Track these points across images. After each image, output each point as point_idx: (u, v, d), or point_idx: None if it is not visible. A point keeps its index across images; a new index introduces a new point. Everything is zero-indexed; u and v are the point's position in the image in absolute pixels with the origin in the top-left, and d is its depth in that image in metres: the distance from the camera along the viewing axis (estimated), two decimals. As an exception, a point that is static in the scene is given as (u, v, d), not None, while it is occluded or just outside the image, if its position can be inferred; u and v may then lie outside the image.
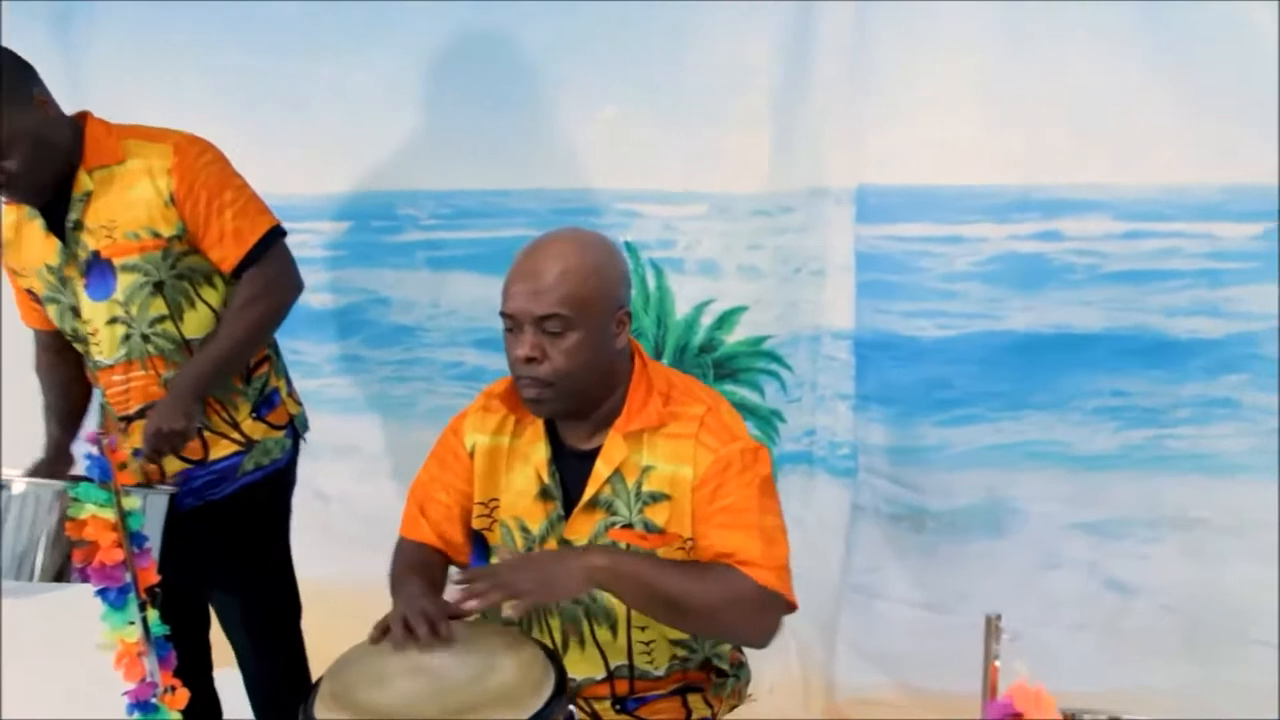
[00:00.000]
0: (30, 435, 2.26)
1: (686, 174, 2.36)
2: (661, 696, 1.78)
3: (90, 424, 2.24)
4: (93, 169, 2.02)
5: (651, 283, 2.43)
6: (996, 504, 2.29)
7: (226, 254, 2.04)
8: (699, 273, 2.38)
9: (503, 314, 1.66)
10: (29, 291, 2.15)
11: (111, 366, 2.09)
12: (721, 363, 2.43)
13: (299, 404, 2.28)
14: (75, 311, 2.08)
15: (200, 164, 2.03)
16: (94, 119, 2.06)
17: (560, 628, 1.76)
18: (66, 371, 2.23)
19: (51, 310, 2.12)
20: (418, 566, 1.76)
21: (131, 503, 1.80)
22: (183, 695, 1.85)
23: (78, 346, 2.15)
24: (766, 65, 2.26)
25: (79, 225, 2.02)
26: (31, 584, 1.89)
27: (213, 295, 2.09)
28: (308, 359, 2.74)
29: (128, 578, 1.78)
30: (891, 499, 2.37)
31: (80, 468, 1.84)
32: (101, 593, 1.79)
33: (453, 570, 1.81)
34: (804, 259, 2.36)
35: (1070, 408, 2.21)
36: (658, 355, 2.45)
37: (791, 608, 1.64)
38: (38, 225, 2.06)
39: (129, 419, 2.11)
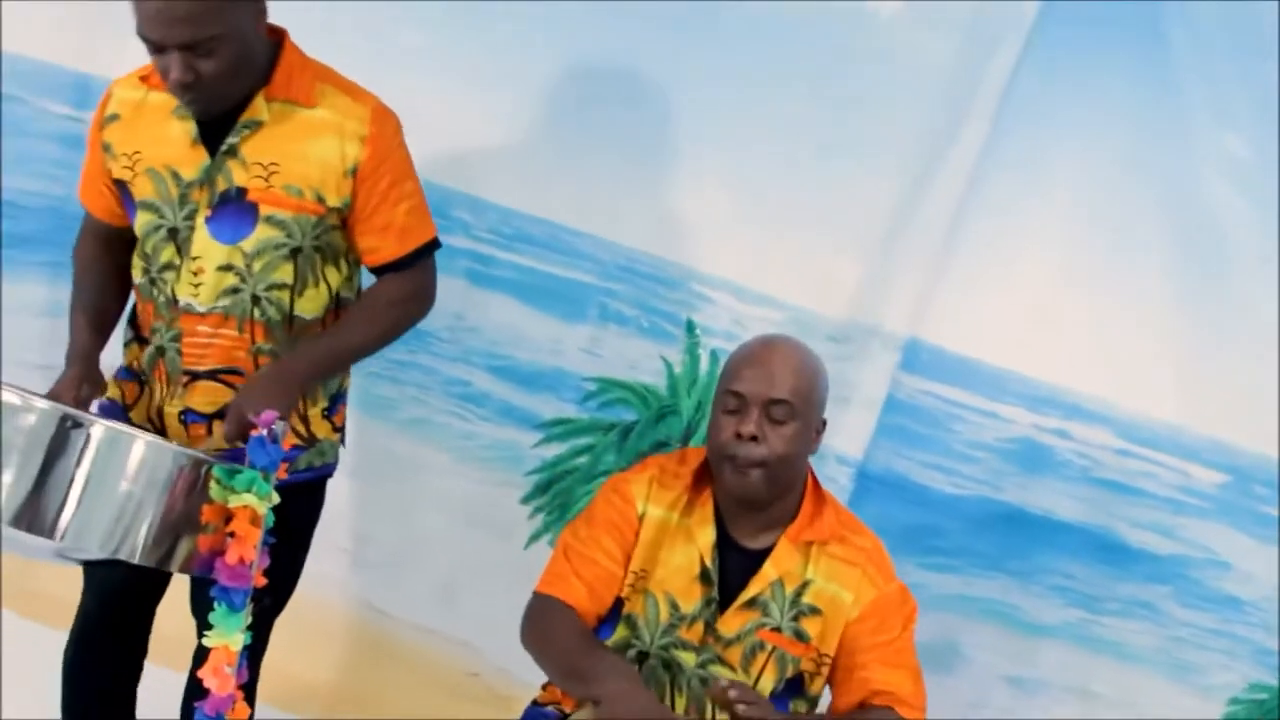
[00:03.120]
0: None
1: (773, 278, 2.47)
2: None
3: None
4: (274, 100, 1.78)
5: (704, 367, 2.50)
6: (948, 646, 2.57)
7: (383, 246, 1.87)
8: (755, 373, 2.49)
9: (731, 392, 1.75)
10: (119, 182, 1.85)
11: (202, 315, 1.83)
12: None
13: None
14: (176, 236, 1.81)
15: (395, 142, 1.86)
16: (292, 44, 1.83)
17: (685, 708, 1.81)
18: (111, 265, 1.94)
19: (143, 218, 1.83)
20: (598, 642, 1.75)
21: (275, 499, 1.64)
22: (244, 709, 1.70)
23: (142, 262, 1.87)
24: (883, 204, 2.42)
25: (233, 151, 1.78)
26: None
27: (335, 276, 1.91)
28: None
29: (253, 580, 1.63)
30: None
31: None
32: (223, 592, 1.61)
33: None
34: (840, 385, 2.53)
35: (1032, 579, 2.54)
36: (686, 439, 2.53)
37: None
38: (185, 129, 1.79)
39: (195, 375, 1.87)
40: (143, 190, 1.83)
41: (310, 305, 1.89)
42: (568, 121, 2.47)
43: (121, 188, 1.86)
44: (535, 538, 2.61)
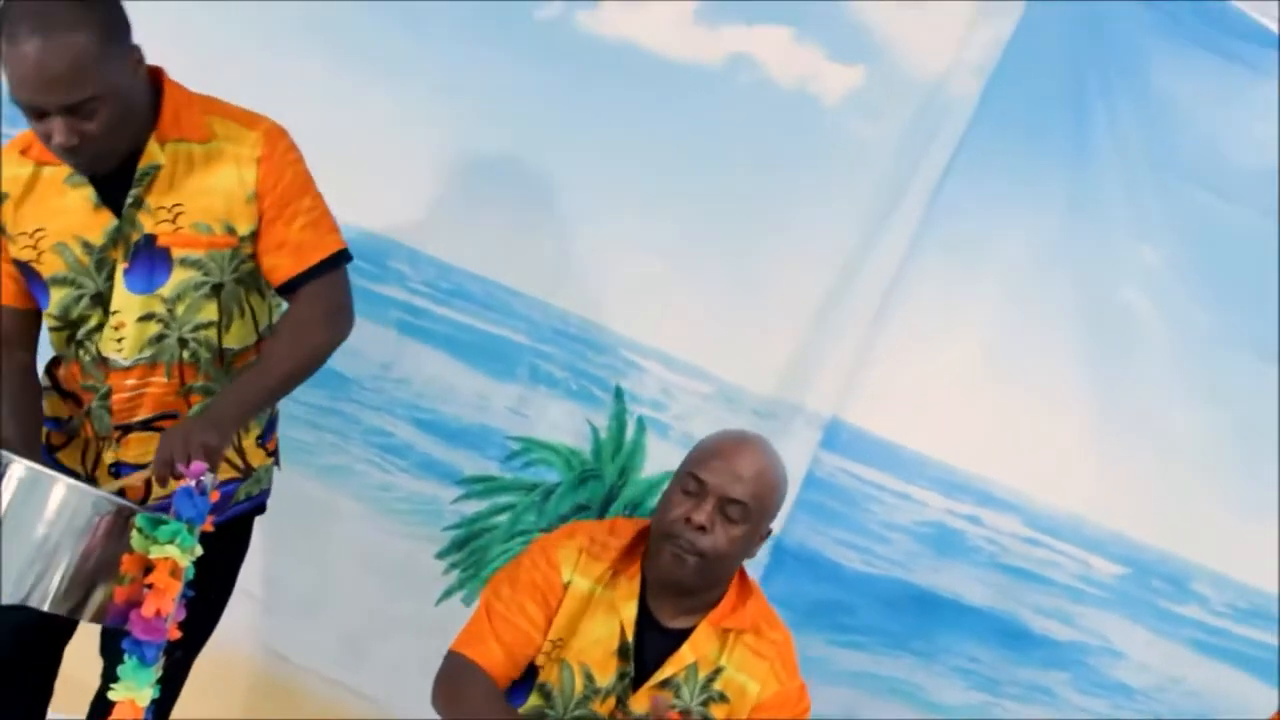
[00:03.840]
0: None
1: (703, 350, 2.49)
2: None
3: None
4: (167, 141, 1.73)
5: (630, 434, 2.52)
6: (849, 723, 2.62)
7: (281, 264, 1.81)
8: (680, 444, 2.46)
9: (694, 475, 1.77)
10: (20, 263, 1.77)
11: (128, 369, 1.80)
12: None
13: None
14: (99, 299, 1.77)
15: (288, 160, 1.81)
16: (171, 82, 1.77)
17: None
18: (25, 362, 1.85)
19: (60, 294, 1.77)
20: (509, 708, 1.74)
21: (198, 552, 1.61)
22: (148, 765, 1.65)
23: (65, 331, 1.81)
24: (815, 284, 2.48)
25: (138, 203, 1.73)
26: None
27: (260, 305, 1.88)
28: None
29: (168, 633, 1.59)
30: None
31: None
32: (135, 645, 1.57)
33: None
34: (764, 460, 2.57)
35: (936, 660, 2.60)
36: (607, 505, 2.53)
37: None
38: (83, 195, 1.73)
39: (128, 428, 1.83)
40: (52, 266, 1.76)
41: (237, 337, 1.86)
42: (511, 182, 2.47)
43: (25, 269, 1.78)
44: (448, 594, 2.57)
